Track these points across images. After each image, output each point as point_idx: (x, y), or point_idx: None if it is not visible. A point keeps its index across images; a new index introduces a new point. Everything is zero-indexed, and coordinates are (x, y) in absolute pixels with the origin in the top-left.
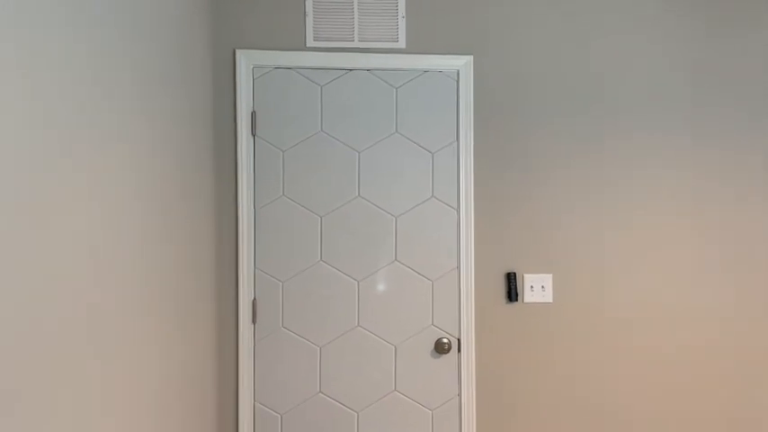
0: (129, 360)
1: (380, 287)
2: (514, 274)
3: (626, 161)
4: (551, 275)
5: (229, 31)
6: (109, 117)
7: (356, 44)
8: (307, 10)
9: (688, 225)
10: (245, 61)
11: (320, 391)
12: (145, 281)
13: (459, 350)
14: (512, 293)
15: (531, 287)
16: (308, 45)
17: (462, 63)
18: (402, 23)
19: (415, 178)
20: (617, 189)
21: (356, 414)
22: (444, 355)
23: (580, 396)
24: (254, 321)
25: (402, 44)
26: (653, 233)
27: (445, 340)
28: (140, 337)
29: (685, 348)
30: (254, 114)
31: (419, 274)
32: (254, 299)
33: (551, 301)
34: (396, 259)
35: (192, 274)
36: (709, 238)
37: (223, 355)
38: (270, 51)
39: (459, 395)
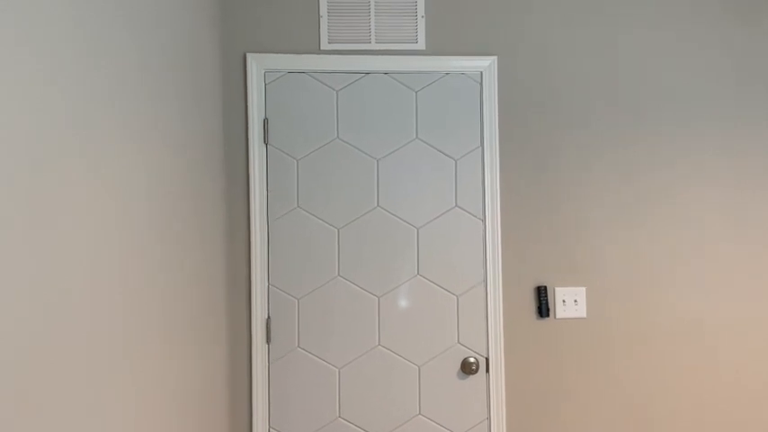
0: (133, 382)
1: (402, 303)
2: (545, 287)
3: (664, 167)
4: (585, 289)
5: (240, 35)
6: (116, 122)
7: (373, 46)
8: (321, 11)
9: (730, 234)
10: (257, 66)
11: (339, 416)
12: (151, 301)
13: (487, 370)
14: (542, 309)
15: (564, 301)
16: (322, 48)
17: (486, 64)
18: (421, 23)
19: (438, 187)
20: (655, 196)
21: None
22: (471, 376)
23: (619, 417)
24: (268, 341)
25: (422, 45)
26: (693, 242)
27: (472, 360)
28: (145, 360)
29: (731, 364)
30: (266, 121)
31: (443, 288)
32: (268, 317)
33: (585, 315)
34: (418, 273)
35: (201, 291)
36: (753, 248)
37: (235, 378)
38: (282, 55)
39: (489, 418)
